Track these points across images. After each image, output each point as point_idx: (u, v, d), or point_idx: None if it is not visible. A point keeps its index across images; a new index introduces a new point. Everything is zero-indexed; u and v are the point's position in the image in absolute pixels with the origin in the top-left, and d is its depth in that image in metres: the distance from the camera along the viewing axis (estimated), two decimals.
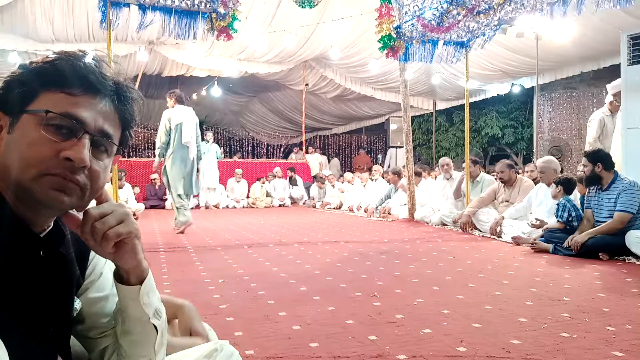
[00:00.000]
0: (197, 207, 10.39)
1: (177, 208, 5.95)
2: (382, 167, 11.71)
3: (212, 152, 10.51)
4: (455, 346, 1.91)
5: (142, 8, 5.05)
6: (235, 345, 1.06)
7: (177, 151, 5.84)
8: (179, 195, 5.86)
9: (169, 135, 5.84)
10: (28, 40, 8.51)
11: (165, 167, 5.95)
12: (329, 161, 15.85)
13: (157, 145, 5.98)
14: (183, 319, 1.19)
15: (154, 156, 6.17)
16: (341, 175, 12.21)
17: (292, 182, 11.69)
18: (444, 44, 6.38)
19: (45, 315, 0.79)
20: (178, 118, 5.87)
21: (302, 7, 8.21)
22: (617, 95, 5.83)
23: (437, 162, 8.49)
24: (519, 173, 6.75)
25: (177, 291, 2.89)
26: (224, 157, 12.50)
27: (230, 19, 5.28)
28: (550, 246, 4.23)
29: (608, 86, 6.01)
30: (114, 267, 0.84)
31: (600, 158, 4.15)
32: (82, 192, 0.76)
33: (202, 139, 10.79)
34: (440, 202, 7.00)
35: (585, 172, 4.21)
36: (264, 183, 11.11)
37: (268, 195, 11.08)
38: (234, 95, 15.66)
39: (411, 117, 8.34)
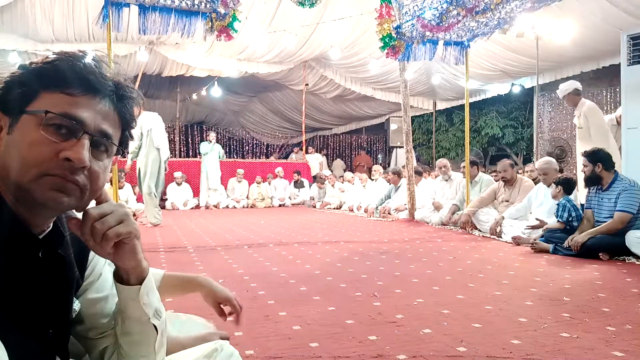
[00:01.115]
0: (197, 207, 10.40)
1: (148, 206, 6.67)
2: (389, 166, 11.68)
3: (214, 152, 10.49)
4: (455, 346, 1.91)
5: (142, 8, 5.05)
6: (235, 345, 1.06)
7: (150, 153, 6.54)
8: (149, 194, 6.57)
9: (141, 140, 6.55)
10: (28, 41, 8.51)
11: (139, 168, 6.66)
12: (329, 162, 15.83)
13: (130, 150, 6.52)
14: (209, 293, 1.24)
15: None
16: (341, 176, 12.21)
17: (299, 185, 11.61)
18: (444, 44, 6.38)
19: (44, 316, 0.78)
20: (148, 124, 6.55)
21: (302, 6, 8.20)
22: (564, 99, 6.10)
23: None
24: (519, 173, 6.75)
25: None
26: (226, 157, 12.48)
27: (231, 19, 5.28)
28: (550, 246, 4.22)
29: (558, 91, 6.16)
30: (114, 267, 0.84)
31: (600, 158, 4.14)
32: (82, 192, 0.76)
33: (203, 139, 10.87)
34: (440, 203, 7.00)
35: (586, 172, 4.20)
36: (259, 184, 11.08)
37: (263, 199, 11.01)
38: (234, 95, 15.66)
39: (411, 117, 8.34)
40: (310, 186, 11.64)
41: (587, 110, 5.78)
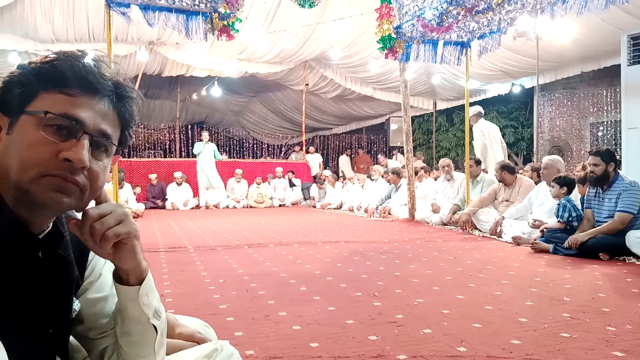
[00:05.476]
0: (197, 207, 10.40)
1: None
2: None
3: (207, 151, 10.48)
4: (455, 346, 1.90)
5: (143, 8, 5.05)
6: (235, 345, 1.05)
7: None
8: None
9: None
10: (28, 41, 8.51)
11: None
12: (327, 161, 15.82)
13: None
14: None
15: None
16: (340, 175, 12.21)
17: (290, 184, 11.71)
18: (444, 44, 6.38)
19: (43, 316, 0.78)
20: None
21: (302, 6, 8.20)
22: (470, 119, 7.39)
23: (438, 162, 8.49)
24: (519, 173, 6.74)
25: (177, 291, 2.89)
26: (227, 157, 12.48)
27: (234, 19, 5.27)
28: (550, 246, 4.22)
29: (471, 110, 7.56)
30: (114, 267, 0.84)
31: (613, 157, 4.09)
32: (82, 192, 0.76)
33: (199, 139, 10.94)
34: (441, 203, 7.00)
35: (597, 171, 4.09)
36: (259, 185, 11.09)
37: (261, 200, 10.99)
38: (234, 95, 15.66)
39: (411, 117, 8.34)
40: (310, 187, 11.64)
41: (474, 131, 7.64)
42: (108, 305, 0.93)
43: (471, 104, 7.32)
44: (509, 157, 12.65)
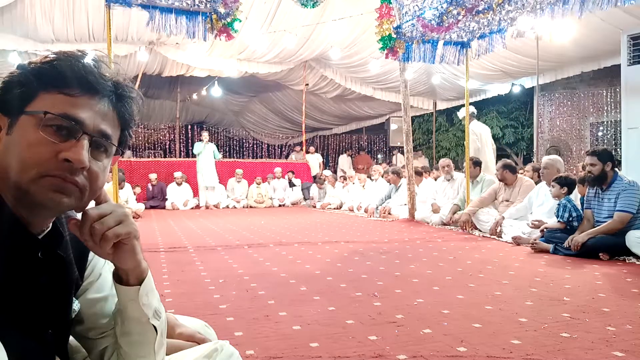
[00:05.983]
0: (197, 207, 10.40)
1: None
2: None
3: (207, 151, 10.49)
4: (455, 346, 1.90)
5: (143, 8, 5.05)
6: (235, 345, 1.05)
7: None
8: None
9: None
10: (28, 41, 8.51)
11: None
12: (327, 161, 15.81)
13: None
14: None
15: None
16: (341, 176, 12.21)
17: (290, 184, 11.72)
18: (444, 44, 6.38)
19: (43, 316, 0.78)
20: None
21: (305, 6, 8.20)
22: (463, 119, 7.33)
23: (438, 163, 8.50)
24: (519, 173, 6.74)
25: (177, 291, 2.89)
26: (223, 157, 12.47)
27: (233, 19, 5.27)
28: (550, 246, 4.22)
29: (459, 112, 7.64)
30: (114, 267, 0.84)
31: (611, 157, 4.10)
32: (81, 193, 0.76)
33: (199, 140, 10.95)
34: (441, 203, 7.00)
35: (594, 171, 4.09)
36: (259, 184, 11.09)
37: (261, 200, 10.99)
38: (234, 95, 15.66)
39: (411, 117, 8.34)
40: (310, 187, 11.64)
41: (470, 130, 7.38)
42: (108, 305, 0.93)
43: (471, 104, 7.31)
44: (509, 157, 12.66)
